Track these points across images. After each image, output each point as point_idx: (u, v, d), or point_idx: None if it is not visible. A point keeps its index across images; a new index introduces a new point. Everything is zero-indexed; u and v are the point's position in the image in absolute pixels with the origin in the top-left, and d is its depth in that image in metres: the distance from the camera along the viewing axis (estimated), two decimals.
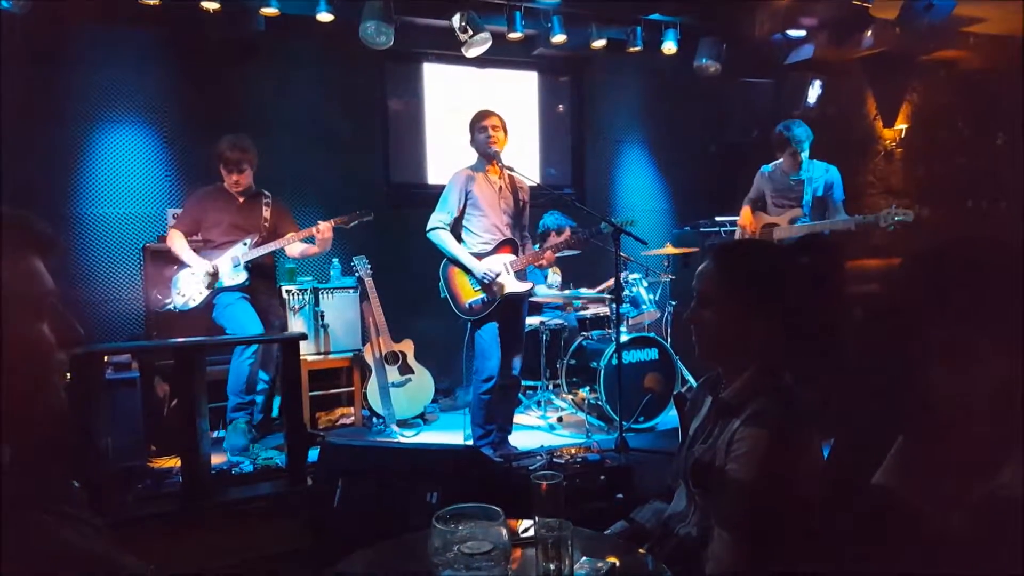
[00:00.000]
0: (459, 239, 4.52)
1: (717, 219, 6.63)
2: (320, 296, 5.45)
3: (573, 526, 1.53)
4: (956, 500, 1.13)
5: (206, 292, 4.58)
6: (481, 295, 4.44)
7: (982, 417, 1.17)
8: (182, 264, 4.63)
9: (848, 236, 5.01)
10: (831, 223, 4.94)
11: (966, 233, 1.26)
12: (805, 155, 5.07)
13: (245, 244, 4.65)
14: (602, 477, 3.67)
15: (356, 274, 5.44)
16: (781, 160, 5.24)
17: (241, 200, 4.74)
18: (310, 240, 4.74)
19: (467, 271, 4.44)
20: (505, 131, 4.53)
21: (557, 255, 4.92)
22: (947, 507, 1.13)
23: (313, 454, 4.06)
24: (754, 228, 5.34)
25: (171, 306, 4.61)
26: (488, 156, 4.50)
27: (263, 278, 4.77)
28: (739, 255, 1.83)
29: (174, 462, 4.33)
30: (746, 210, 5.43)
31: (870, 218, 4.76)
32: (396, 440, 5.09)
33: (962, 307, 1.21)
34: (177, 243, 4.63)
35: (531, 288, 4.67)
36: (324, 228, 4.65)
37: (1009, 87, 6.73)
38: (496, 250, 4.50)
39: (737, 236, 5.54)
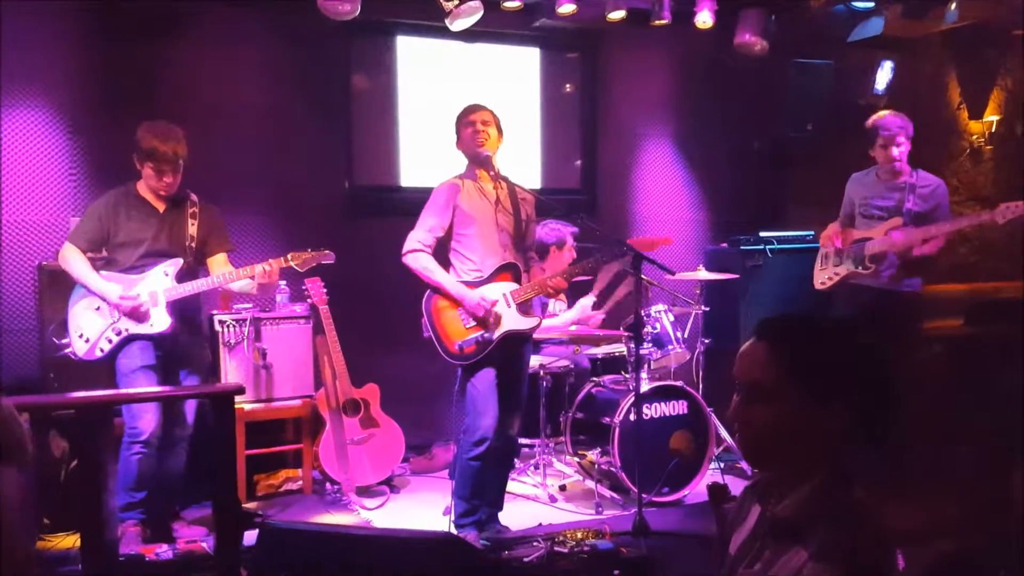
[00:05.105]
0: (447, 266, 4.46)
1: (762, 234, 6.58)
2: (262, 328, 5.38)
3: None
4: None
5: (116, 339, 4.40)
6: (475, 334, 4.35)
7: None
8: (80, 291, 4.45)
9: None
10: (936, 226, 5.00)
11: None
12: (901, 151, 5.17)
13: (167, 274, 4.47)
14: (616, 572, 3.62)
15: (308, 300, 5.35)
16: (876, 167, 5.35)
17: (163, 209, 4.56)
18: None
19: (457, 303, 4.37)
20: (498, 128, 4.50)
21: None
22: None
23: (251, 536, 3.98)
24: (841, 245, 5.38)
25: (70, 352, 4.45)
26: (478, 159, 4.45)
27: (183, 314, 4.56)
28: (795, 332, 1.77)
29: (72, 541, 4.24)
30: (831, 226, 5.47)
31: (984, 215, 4.89)
32: (355, 514, 5.06)
33: None
34: (77, 265, 4.43)
35: (537, 325, 4.59)
36: (270, 271, 4.51)
37: None
38: (493, 277, 4.43)
39: (819, 256, 5.56)
